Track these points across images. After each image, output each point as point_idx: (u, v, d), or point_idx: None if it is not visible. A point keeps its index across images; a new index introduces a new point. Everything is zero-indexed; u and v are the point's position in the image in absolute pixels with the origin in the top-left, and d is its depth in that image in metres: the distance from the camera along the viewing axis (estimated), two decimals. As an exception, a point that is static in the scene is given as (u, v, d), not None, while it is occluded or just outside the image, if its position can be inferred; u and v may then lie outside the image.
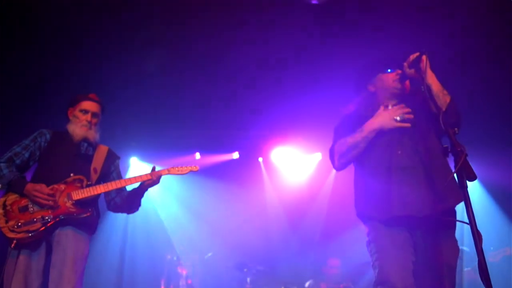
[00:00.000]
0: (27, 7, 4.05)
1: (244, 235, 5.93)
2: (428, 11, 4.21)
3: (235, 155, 6.75)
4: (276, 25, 4.64)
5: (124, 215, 5.81)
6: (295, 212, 6.32)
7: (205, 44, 4.89)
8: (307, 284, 5.14)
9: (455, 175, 1.79)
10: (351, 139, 2.25)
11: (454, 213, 2.17)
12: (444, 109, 2.08)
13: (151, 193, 4.53)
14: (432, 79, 2.17)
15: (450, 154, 1.83)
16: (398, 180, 2.11)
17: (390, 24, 4.44)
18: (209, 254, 5.77)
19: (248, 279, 5.03)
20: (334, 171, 6.53)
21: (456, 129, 1.91)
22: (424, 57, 2.16)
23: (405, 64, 2.24)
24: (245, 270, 5.17)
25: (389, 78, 2.35)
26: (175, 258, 5.69)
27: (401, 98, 2.34)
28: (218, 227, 6.04)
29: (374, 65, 2.44)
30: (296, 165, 6.73)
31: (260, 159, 6.87)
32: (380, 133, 2.23)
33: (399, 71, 2.32)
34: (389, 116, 2.23)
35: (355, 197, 2.30)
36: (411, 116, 2.21)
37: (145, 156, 6.43)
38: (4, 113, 4.96)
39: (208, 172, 5.89)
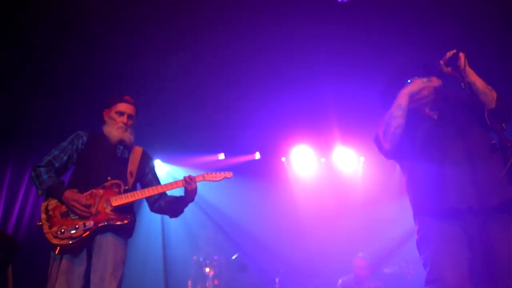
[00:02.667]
0: (58, 10, 4.13)
1: (271, 235, 5.94)
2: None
3: (257, 155, 6.76)
4: (294, 27, 4.66)
5: (149, 217, 5.97)
6: (323, 211, 6.29)
7: (228, 47, 4.92)
8: (339, 282, 5.10)
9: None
10: (387, 115, 2.24)
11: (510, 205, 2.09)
12: (493, 105, 2.05)
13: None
14: (474, 77, 2.12)
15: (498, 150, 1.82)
16: (453, 172, 2.07)
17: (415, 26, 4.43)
18: (236, 255, 5.77)
19: (277, 279, 5.02)
20: (361, 171, 6.56)
21: (503, 124, 1.88)
22: (461, 55, 2.11)
23: (441, 62, 2.21)
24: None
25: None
26: (201, 259, 5.72)
27: (430, 103, 2.32)
28: (245, 227, 6.05)
29: (393, 82, 2.42)
30: (320, 163, 6.72)
31: (283, 159, 6.85)
32: (427, 126, 2.22)
33: (424, 79, 2.29)
34: (416, 81, 2.26)
35: (409, 192, 2.24)
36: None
37: (168, 158, 6.48)
38: (34, 115, 5.09)
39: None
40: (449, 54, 2.17)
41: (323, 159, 6.79)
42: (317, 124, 6.35)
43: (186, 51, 4.97)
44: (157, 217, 6.04)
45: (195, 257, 5.77)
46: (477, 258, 2.01)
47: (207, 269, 5.60)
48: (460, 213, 2.04)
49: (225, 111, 5.95)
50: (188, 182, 2.81)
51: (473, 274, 2.00)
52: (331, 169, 6.63)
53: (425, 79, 2.25)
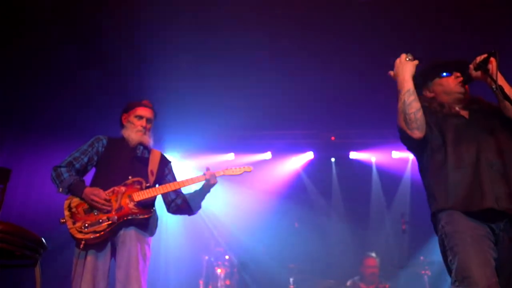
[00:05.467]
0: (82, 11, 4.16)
1: (284, 235, 5.93)
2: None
3: (268, 155, 6.75)
4: (305, 27, 4.67)
5: (160, 216, 5.97)
6: (339, 211, 6.29)
7: (242, 50, 4.93)
8: (348, 283, 5.08)
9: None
10: (400, 105, 2.16)
11: None
12: None
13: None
14: (502, 82, 2.11)
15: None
16: (488, 173, 2.04)
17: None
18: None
19: (291, 279, 4.99)
20: (374, 169, 6.55)
21: None
22: (493, 59, 2.10)
23: (471, 66, 2.18)
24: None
25: (449, 82, 2.29)
26: (212, 259, 5.70)
27: (464, 102, 2.29)
28: (258, 227, 6.04)
29: (429, 70, 2.38)
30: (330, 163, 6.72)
31: (295, 159, 6.85)
32: (458, 124, 2.19)
33: (458, 74, 2.26)
34: (400, 62, 2.23)
35: (432, 189, 2.17)
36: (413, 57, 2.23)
37: (180, 157, 6.48)
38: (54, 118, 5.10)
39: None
40: (479, 58, 2.15)
41: (333, 159, 6.79)
42: (328, 124, 6.37)
43: (201, 53, 4.99)
44: (167, 216, 6.01)
45: (206, 257, 5.75)
46: (503, 258, 1.98)
47: (219, 269, 5.59)
48: (494, 215, 2.01)
49: (237, 111, 5.96)
50: (210, 178, 2.83)
51: (500, 276, 1.95)
52: (343, 169, 6.62)
53: (406, 56, 2.24)
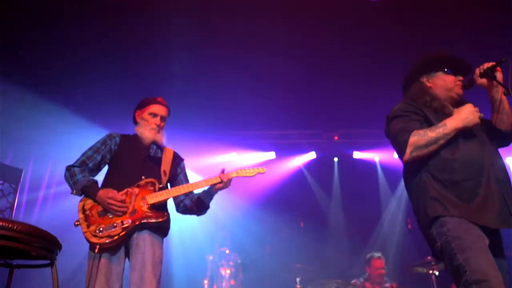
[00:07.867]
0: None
1: (290, 235, 5.93)
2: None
3: (272, 154, 6.75)
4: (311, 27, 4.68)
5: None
6: (344, 211, 6.29)
7: (246, 50, 4.94)
8: (352, 283, 5.08)
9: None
10: (432, 134, 2.08)
11: None
12: (509, 127, 2.16)
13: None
14: (502, 96, 2.13)
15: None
16: (498, 190, 2.04)
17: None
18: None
19: (298, 279, 4.98)
20: (379, 168, 6.56)
21: None
22: (499, 69, 2.12)
23: (477, 71, 2.18)
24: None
25: (451, 80, 2.28)
26: (217, 259, 5.70)
27: (457, 105, 2.24)
28: (263, 226, 6.03)
29: (437, 62, 2.34)
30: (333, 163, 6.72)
31: (298, 158, 6.85)
32: (465, 135, 2.15)
33: (461, 78, 2.27)
34: (470, 110, 2.12)
35: (436, 191, 2.10)
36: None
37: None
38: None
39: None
40: (486, 65, 2.15)
41: (335, 159, 6.79)
42: (331, 124, 6.38)
43: (202, 50, 4.98)
44: (171, 217, 6.00)
45: (211, 257, 5.75)
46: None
47: (223, 269, 5.58)
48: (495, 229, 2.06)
49: (239, 109, 5.97)
50: (225, 183, 2.79)
51: None
52: (346, 169, 6.63)
53: (481, 114, 2.14)
